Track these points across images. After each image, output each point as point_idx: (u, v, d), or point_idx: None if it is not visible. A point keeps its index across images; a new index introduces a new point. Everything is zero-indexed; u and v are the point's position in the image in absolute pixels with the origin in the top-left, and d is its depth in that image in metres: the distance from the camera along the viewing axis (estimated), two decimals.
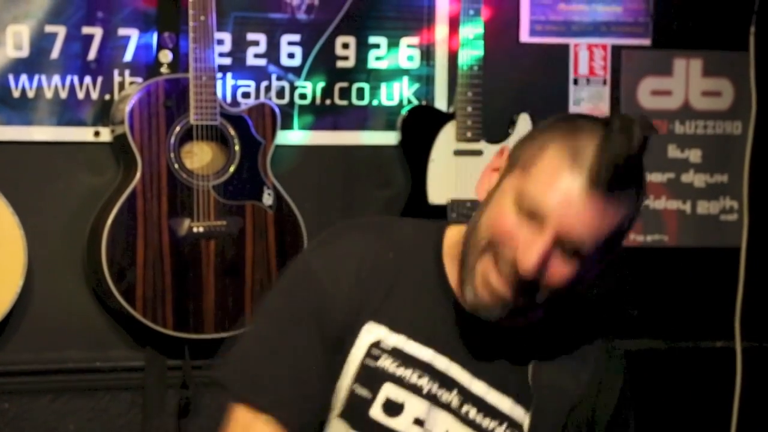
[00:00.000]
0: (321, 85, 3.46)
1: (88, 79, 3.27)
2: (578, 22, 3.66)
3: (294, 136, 3.44)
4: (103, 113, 3.28)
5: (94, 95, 3.28)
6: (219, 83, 3.22)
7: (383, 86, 3.50)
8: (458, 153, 3.38)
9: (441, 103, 3.51)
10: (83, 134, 3.28)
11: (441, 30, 3.52)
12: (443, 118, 3.41)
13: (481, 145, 3.39)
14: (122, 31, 3.29)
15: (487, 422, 1.84)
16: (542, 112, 3.53)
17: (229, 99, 3.36)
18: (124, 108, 3.13)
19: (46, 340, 3.30)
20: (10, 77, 3.21)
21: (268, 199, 3.25)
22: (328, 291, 1.82)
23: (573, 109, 3.67)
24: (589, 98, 3.68)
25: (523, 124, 3.43)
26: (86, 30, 3.26)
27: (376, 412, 1.81)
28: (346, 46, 3.47)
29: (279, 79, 3.43)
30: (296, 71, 3.44)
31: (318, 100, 3.46)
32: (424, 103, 3.51)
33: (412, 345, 1.82)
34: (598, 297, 1.99)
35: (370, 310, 1.82)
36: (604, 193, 1.69)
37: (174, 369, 3.30)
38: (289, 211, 3.27)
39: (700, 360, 3.73)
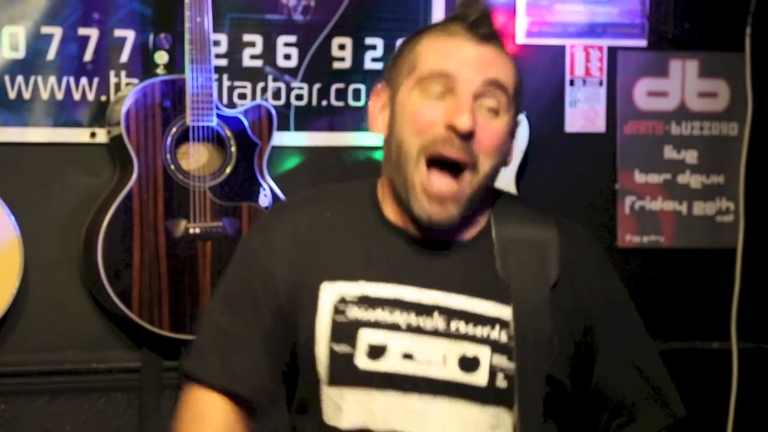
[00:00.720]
0: (317, 86, 3.46)
1: (84, 80, 3.27)
2: (574, 24, 3.66)
3: (290, 137, 3.44)
4: (100, 114, 3.27)
5: (91, 96, 3.28)
6: (215, 84, 3.21)
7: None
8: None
9: None
10: (79, 135, 3.28)
11: None
12: None
13: None
14: (118, 32, 3.29)
15: (479, 330, 1.84)
16: (539, 113, 3.55)
17: (225, 100, 3.36)
18: (120, 109, 3.13)
19: (43, 342, 3.30)
20: (7, 78, 3.21)
21: (264, 200, 3.25)
22: (266, 266, 1.89)
23: (569, 111, 3.68)
24: (585, 99, 3.68)
25: (520, 124, 3.42)
26: (82, 31, 3.26)
27: (361, 361, 1.82)
28: (342, 47, 3.47)
29: (275, 80, 3.43)
30: (292, 72, 3.44)
31: (314, 102, 3.46)
32: None
33: (374, 287, 1.85)
34: None
35: (322, 271, 1.86)
36: (484, 38, 1.86)
37: (170, 370, 3.30)
38: None
39: (696, 361, 3.73)
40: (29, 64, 3.23)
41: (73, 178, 3.29)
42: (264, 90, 3.41)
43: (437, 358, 1.83)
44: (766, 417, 3.76)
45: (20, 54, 3.22)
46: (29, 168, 3.27)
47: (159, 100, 3.14)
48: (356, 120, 3.49)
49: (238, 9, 3.38)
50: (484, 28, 1.87)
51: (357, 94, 3.49)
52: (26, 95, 3.23)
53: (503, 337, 1.84)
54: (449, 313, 1.84)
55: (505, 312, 1.85)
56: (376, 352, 1.83)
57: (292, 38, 3.43)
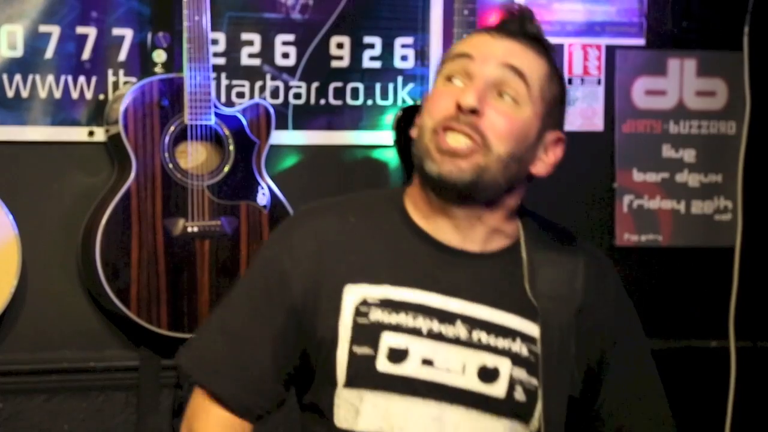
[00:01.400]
0: (315, 84, 3.46)
1: (82, 79, 3.27)
2: (572, 22, 3.66)
3: (288, 136, 3.44)
4: (98, 113, 3.27)
5: (89, 95, 3.27)
6: (213, 83, 3.21)
7: (378, 86, 3.50)
8: None
9: None
10: (77, 134, 3.28)
11: (435, 30, 3.52)
12: None
13: None
14: (116, 31, 3.29)
15: (501, 342, 1.84)
16: None
17: (223, 99, 3.36)
18: (118, 108, 3.13)
19: (41, 340, 3.30)
20: (4, 77, 3.21)
21: (262, 199, 3.25)
22: (284, 267, 1.87)
23: (568, 110, 3.67)
24: (583, 98, 3.68)
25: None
26: (80, 30, 3.26)
27: (382, 364, 1.81)
28: (340, 46, 3.47)
29: (273, 78, 3.42)
30: (291, 71, 3.44)
31: (312, 100, 3.46)
32: (418, 102, 3.51)
33: (398, 291, 1.84)
34: None
35: (344, 274, 1.85)
36: (512, 35, 1.86)
37: (168, 369, 3.30)
38: (283, 211, 3.27)
39: (694, 359, 3.74)
40: (27, 63, 3.23)
41: (71, 176, 3.29)
42: (262, 89, 3.41)
43: (457, 367, 1.82)
44: (764, 415, 3.76)
45: (18, 52, 3.22)
46: (27, 167, 3.27)
47: (157, 99, 3.14)
48: (354, 119, 3.49)
49: (236, 7, 3.38)
50: (513, 25, 1.88)
51: (355, 93, 3.49)
52: (24, 94, 3.23)
53: (524, 351, 1.84)
54: (471, 323, 1.84)
55: (528, 327, 1.85)
56: (397, 355, 1.82)
57: (291, 37, 3.43)
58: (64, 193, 3.28)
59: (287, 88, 3.44)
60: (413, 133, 1.90)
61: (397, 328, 1.82)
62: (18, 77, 3.22)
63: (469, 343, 1.83)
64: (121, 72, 3.29)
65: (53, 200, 3.28)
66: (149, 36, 3.28)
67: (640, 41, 3.72)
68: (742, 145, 3.73)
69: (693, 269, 3.78)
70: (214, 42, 3.33)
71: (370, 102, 3.50)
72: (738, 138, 3.75)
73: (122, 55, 3.29)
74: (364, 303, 1.83)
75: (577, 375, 1.88)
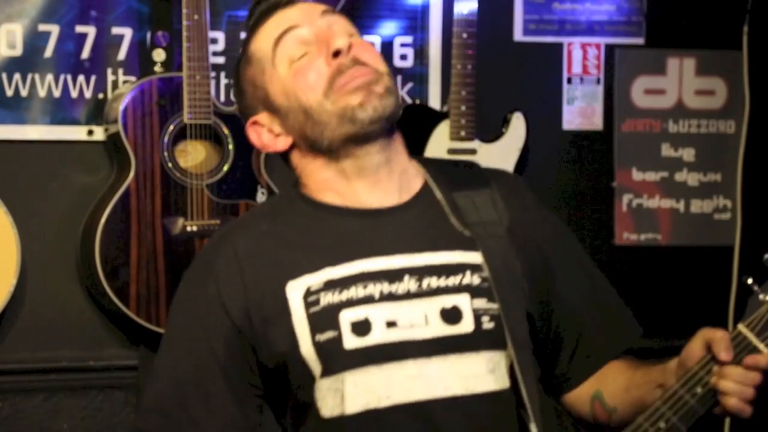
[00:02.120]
0: None
1: (81, 78, 3.27)
2: (572, 21, 3.66)
3: None
4: (97, 112, 3.27)
5: (88, 94, 3.28)
6: (213, 82, 3.21)
7: None
8: (452, 152, 3.38)
9: (435, 102, 3.51)
10: (77, 133, 3.28)
11: (435, 29, 3.52)
12: (437, 117, 3.41)
13: (475, 144, 3.39)
14: (116, 30, 3.29)
15: (451, 280, 1.83)
16: (536, 110, 3.55)
17: (222, 98, 3.36)
18: (117, 107, 3.13)
19: (40, 339, 3.30)
20: (4, 76, 3.21)
21: (261, 198, 3.25)
22: (212, 294, 1.86)
23: (567, 108, 3.68)
24: (582, 97, 3.68)
25: (517, 122, 3.43)
26: (80, 29, 3.26)
27: (349, 342, 1.80)
28: None
29: None
30: None
31: None
32: (417, 102, 3.51)
33: (337, 269, 1.83)
34: None
35: (280, 276, 1.83)
36: (290, 4, 1.91)
37: None
38: None
39: None
40: (27, 62, 3.23)
41: (71, 175, 3.29)
42: None
43: (419, 319, 1.81)
44: (763, 414, 3.76)
45: (17, 51, 3.22)
46: (26, 166, 3.27)
47: (156, 98, 3.14)
48: None
49: (235, 6, 3.38)
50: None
51: None
52: (23, 93, 3.23)
53: (476, 281, 1.83)
54: (419, 272, 1.83)
55: (471, 257, 1.85)
56: (360, 328, 1.80)
57: None
58: (63, 192, 3.28)
59: None
60: (280, 144, 1.95)
61: (350, 303, 1.81)
62: (17, 76, 3.22)
63: (422, 293, 1.82)
64: (120, 71, 3.30)
65: (52, 199, 3.28)
66: (149, 35, 3.28)
67: (640, 40, 3.72)
68: (741, 144, 3.73)
69: (692, 268, 3.78)
70: (214, 41, 3.33)
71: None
72: (737, 137, 3.75)
73: (121, 54, 3.29)
74: (309, 292, 1.82)
75: (528, 290, 1.87)
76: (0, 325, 3.22)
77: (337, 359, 1.80)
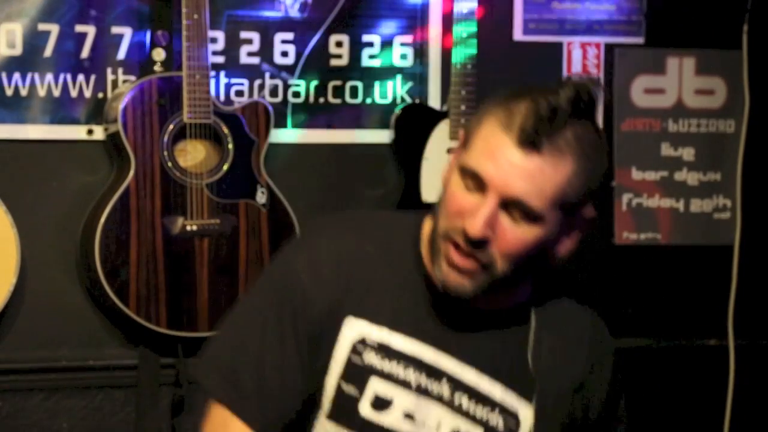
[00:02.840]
0: (314, 83, 3.46)
1: (81, 77, 3.27)
2: (572, 21, 3.66)
3: (287, 135, 3.44)
4: (97, 111, 3.27)
5: (88, 93, 3.28)
6: (212, 81, 3.22)
7: (377, 85, 3.50)
8: (452, 151, 3.38)
9: (434, 101, 3.51)
10: (76, 132, 3.28)
11: (434, 28, 3.52)
12: (437, 117, 3.41)
13: None
14: (115, 30, 3.29)
15: (480, 410, 1.83)
16: None
17: (222, 97, 3.36)
18: (117, 106, 3.13)
19: (40, 339, 3.30)
20: (3, 75, 3.21)
21: (261, 197, 3.25)
22: (308, 290, 1.82)
23: None
24: None
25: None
26: (79, 28, 3.26)
27: (365, 409, 1.81)
28: (339, 44, 3.47)
29: (272, 77, 3.42)
30: (290, 69, 3.44)
31: (311, 99, 3.46)
32: (417, 101, 3.51)
33: (396, 338, 1.81)
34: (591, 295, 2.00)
35: (350, 305, 1.82)
36: (533, 148, 1.71)
37: (167, 367, 3.30)
38: (282, 210, 3.27)
39: (693, 358, 3.74)
40: (26, 61, 3.23)
41: (71, 175, 3.29)
42: (261, 87, 3.41)
43: (432, 425, 1.82)
44: (763, 414, 3.77)
45: (17, 51, 3.22)
46: (26, 165, 3.27)
47: (156, 98, 3.14)
48: (353, 117, 3.49)
49: (235, 6, 3.38)
50: (540, 134, 1.71)
51: (354, 92, 3.49)
52: (23, 92, 3.23)
53: (500, 425, 1.83)
54: (456, 385, 1.82)
55: (509, 399, 1.84)
56: (381, 403, 1.81)
57: (290, 35, 3.43)
58: (63, 191, 3.28)
59: (286, 87, 3.44)
60: (445, 173, 1.82)
61: (386, 377, 1.81)
62: (17, 75, 3.22)
63: (449, 405, 1.82)
64: (120, 70, 3.29)
65: (52, 199, 3.28)
66: (148, 34, 3.28)
67: (639, 39, 3.72)
68: (741, 143, 3.73)
69: (692, 268, 3.78)
70: (213, 40, 3.33)
71: (369, 100, 3.50)
72: (737, 136, 3.75)
73: (121, 54, 3.29)
74: (362, 342, 1.81)
75: None
76: (0, 325, 3.23)
77: (346, 415, 1.81)
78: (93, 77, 3.28)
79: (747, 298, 3.72)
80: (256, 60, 3.41)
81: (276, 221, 3.27)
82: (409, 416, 1.81)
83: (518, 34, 3.62)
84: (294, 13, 3.43)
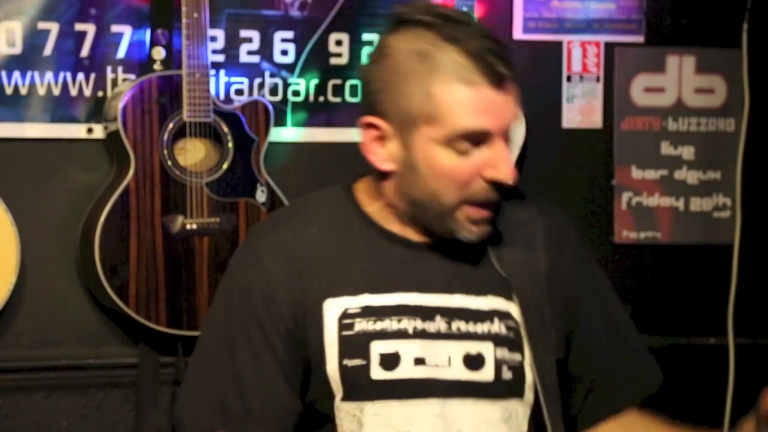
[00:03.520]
0: (314, 81, 3.46)
1: (81, 76, 3.27)
2: (571, 19, 3.66)
3: (287, 133, 3.44)
4: (96, 110, 3.27)
5: (87, 92, 3.27)
6: (212, 80, 3.21)
7: None
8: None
9: None
10: (76, 131, 3.28)
11: None
12: None
13: None
14: (115, 28, 3.29)
15: (479, 327, 1.85)
16: (535, 109, 3.55)
17: (222, 96, 3.36)
18: (117, 105, 3.13)
19: (39, 337, 3.30)
20: (3, 74, 3.21)
21: (261, 196, 3.25)
22: (266, 292, 1.83)
23: (566, 107, 3.68)
24: (582, 95, 3.68)
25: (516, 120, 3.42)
26: (79, 27, 3.26)
27: (376, 373, 1.81)
28: (339, 42, 3.47)
29: (272, 76, 3.42)
30: (289, 68, 3.44)
31: (311, 97, 3.46)
32: None
33: (377, 297, 1.84)
34: None
35: (322, 289, 1.83)
36: (502, 80, 1.81)
37: (167, 366, 3.30)
38: None
39: (693, 356, 3.74)
40: (26, 60, 3.23)
41: (70, 174, 3.29)
42: (261, 86, 3.41)
43: (443, 360, 1.83)
44: None
45: (17, 49, 3.22)
46: (26, 164, 3.27)
47: (156, 96, 3.14)
48: (353, 116, 3.49)
49: (234, 5, 3.38)
50: (503, 69, 1.82)
51: (354, 90, 3.49)
52: (23, 91, 3.23)
53: (503, 330, 1.85)
54: (449, 314, 1.85)
55: (502, 304, 1.87)
56: (389, 361, 1.82)
57: (289, 34, 3.43)
58: (62, 190, 3.28)
59: (286, 85, 3.44)
60: (380, 162, 1.90)
61: (383, 335, 1.82)
62: (17, 74, 3.22)
63: (450, 335, 1.84)
64: (119, 69, 3.29)
65: (52, 197, 3.28)
66: (148, 33, 3.27)
67: (639, 38, 3.72)
68: (741, 142, 3.72)
69: (692, 266, 3.78)
70: (213, 39, 3.33)
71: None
72: (737, 135, 3.74)
73: (121, 52, 3.29)
74: (346, 315, 1.83)
75: (556, 337, 1.89)
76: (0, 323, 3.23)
77: (360, 387, 1.82)
78: (93, 76, 3.27)
79: (747, 297, 3.72)
80: (256, 58, 3.41)
81: None
82: (419, 361, 1.82)
83: (518, 33, 3.62)
84: (294, 11, 3.43)
